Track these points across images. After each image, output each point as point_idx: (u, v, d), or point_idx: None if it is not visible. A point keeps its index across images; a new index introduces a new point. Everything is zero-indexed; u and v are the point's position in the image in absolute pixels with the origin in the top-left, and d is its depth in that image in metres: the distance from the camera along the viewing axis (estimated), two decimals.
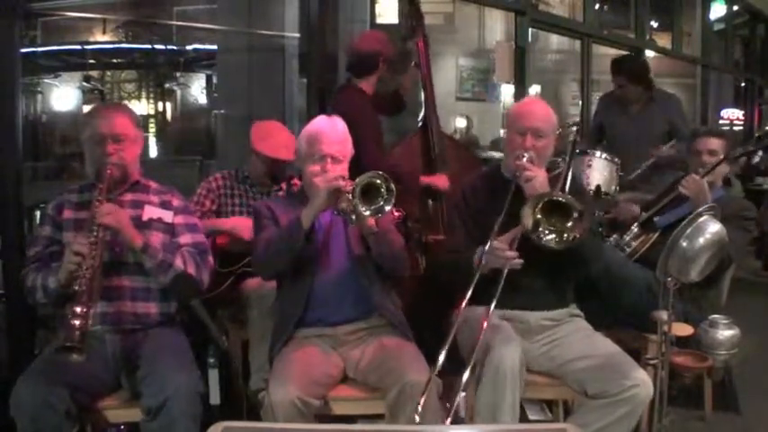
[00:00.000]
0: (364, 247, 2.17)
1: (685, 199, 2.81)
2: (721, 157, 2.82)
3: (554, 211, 2.03)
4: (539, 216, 2.02)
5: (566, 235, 2.02)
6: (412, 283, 2.81)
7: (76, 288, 1.90)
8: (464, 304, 2.04)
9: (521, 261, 2.08)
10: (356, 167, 2.34)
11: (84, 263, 1.92)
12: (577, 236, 2.01)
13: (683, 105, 4.41)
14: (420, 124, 3.44)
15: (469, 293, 2.04)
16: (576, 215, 2.00)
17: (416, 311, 2.51)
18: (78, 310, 1.84)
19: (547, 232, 2.03)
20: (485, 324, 2.01)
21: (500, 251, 2.08)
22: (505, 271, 2.06)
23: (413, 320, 2.31)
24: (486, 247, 2.08)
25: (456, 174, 3.29)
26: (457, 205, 2.38)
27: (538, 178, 2.12)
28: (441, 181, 3.27)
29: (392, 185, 2.00)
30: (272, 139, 2.92)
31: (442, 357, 1.94)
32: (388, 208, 2.01)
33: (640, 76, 3.89)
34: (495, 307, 2.12)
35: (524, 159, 2.18)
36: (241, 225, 2.79)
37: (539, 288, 2.25)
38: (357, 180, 2.01)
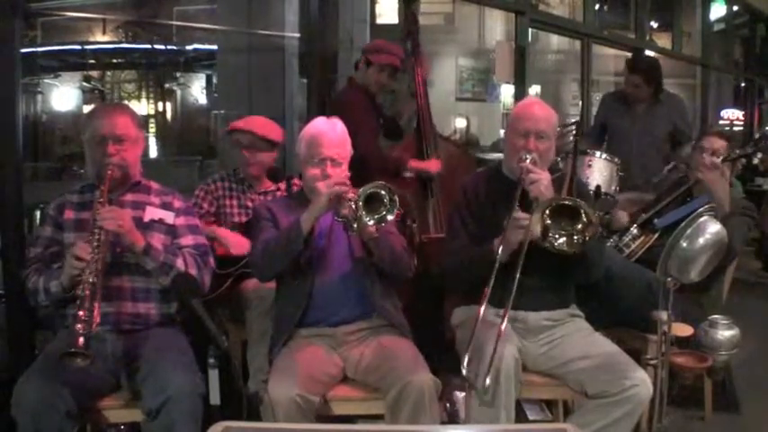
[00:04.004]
0: (365, 250, 2.17)
1: (685, 200, 2.82)
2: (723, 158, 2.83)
3: (562, 215, 2.03)
4: (548, 222, 2.02)
5: (576, 237, 2.01)
6: (409, 284, 2.81)
7: (79, 292, 1.89)
8: (485, 302, 2.03)
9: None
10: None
11: (87, 267, 1.92)
12: (588, 238, 2.01)
13: (686, 107, 4.41)
14: (415, 127, 3.47)
15: (490, 289, 2.04)
16: (585, 217, 2.00)
17: (414, 312, 2.51)
18: (81, 314, 1.83)
19: (558, 236, 2.03)
20: (476, 323, 2.02)
21: (522, 220, 2.07)
22: (518, 273, 2.05)
23: (411, 321, 2.31)
24: (507, 222, 2.08)
25: (453, 175, 3.30)
26: (458, 205, 2.37)
27: (542, 180, 2.12)
28: (431, 165, 3.32)
29: (395, 196, 2.00)
30: (247, 119, 2.98)
31: (466, 359, 1.96)
32: (390, 218, 2.01)
33: (655, 77, 3.89)
34: (495, 306, 2.12)
35: (528, 161, 2.18)
36: (236, 242, 2.76)
37: (539, 288, 2.24)
38: (360, 190, 2.00)
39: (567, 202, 2.03)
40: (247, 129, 2.88)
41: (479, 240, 2.23)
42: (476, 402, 2.03)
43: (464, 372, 1.99)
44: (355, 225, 2.04)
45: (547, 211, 2.02)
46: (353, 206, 2.00)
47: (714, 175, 2.70)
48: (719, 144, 2.89)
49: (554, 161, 2.53)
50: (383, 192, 2.01)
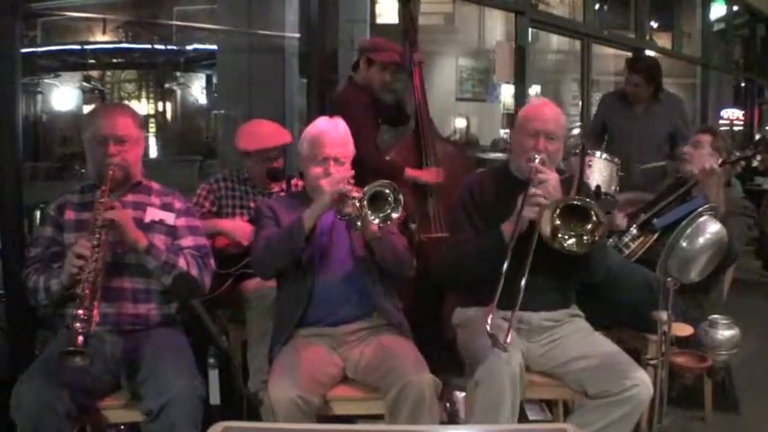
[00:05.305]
0: (367, 250, 2.17)
1: (684, 200, 2.82)
2: (706, 149, 2.84)
3: (571, 216, 2.03)
4: (557, 222, 2.03)
5: (586, 238, 2.02)
6: (409, 284, 2.82)
7: (79, 291, 1.89)
8: (495, 302, 2.02)
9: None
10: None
11: (87, 265, 1.91)
12: (597, 238, 2.01)
13: (686, 107, 4.41)
14: (413, 128, 3.47)
15: (499, 289, 2.02)
16: (594, 218, 2.00)
17: (414, 312, 2.51)
18: (81, 313, 1.83)
19: (567, 237, 2.03)
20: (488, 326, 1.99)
21: (537, 197, 2.06)
22: (525, 277, 2.05)
23: (411, 321, 2.31)
24: (521, 200, 2.08)
25: (451, 174, 3.31)
26: (464, 202, 2.37)
27: (551, 181, 2.12)
28: (428, 175, 3.30)
29: (400, 195, 2.01)
30: (254, 133, 2.95)
31: (489, 319, 1.94)
32: (395, 216, 2.02)
33: (655, 77, 3.90)
34: (499, 308, 2.11)
35: (537, 161, 2.18)
36: (241, 229, 2.78)
37: (541, 288, 2.23)
38: (365, 189, 2.01)
39: (576, 203, 2.03)
40: (259, 147, 2.87)
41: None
42: (479, 401, 2.02)
43: (488, 329, 1.95)
44: (359, 223, 2.04)
45: (556, 212, 2.02)
46: (357, 204, 2.00)
47: (710, 181, 2.70)
48: (703, 138, 2.90)
49: None
50: (388, 190, 2.01)
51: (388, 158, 3.32)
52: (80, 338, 1.80)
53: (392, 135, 4.03)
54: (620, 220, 2.93)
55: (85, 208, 2.15)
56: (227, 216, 2.90)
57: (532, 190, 2.08)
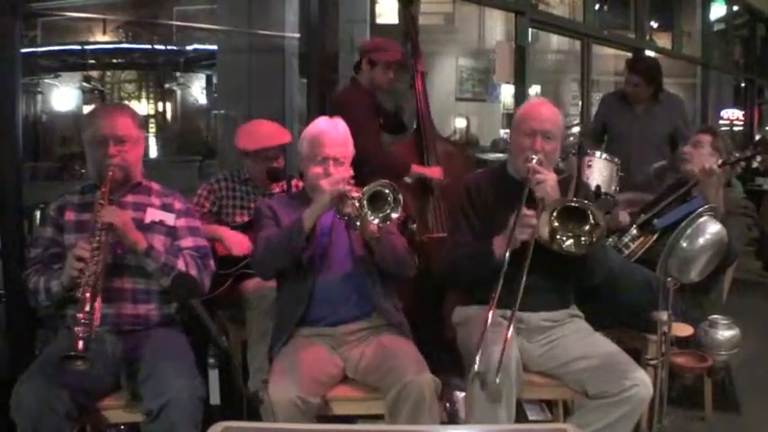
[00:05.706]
0: (367, 250, 2.17)
1: (685, 200, 2.82)
2: (706, 149, 2.84)
3: (569, 217, 2.03)
4: (555, 224, 2.02)
5: (584, 239, 2.02)
6: (409, 284, 2.82)
7: (79, 294, 1.89)
8: (494, 303, 2.02)
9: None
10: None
11: (87, 268, 1.91)
12: (595, 239, 2.01)
13: (686, 107, 4.41)
14: (414, 127, 3.48)
15: (497, 292, 2.02)
16: (592, 219, 2.00)
17: (414, 312, 2.51)
18: (81, 317, 1.83)
19: (565, 238, 2.03)
20: (486, 324, 2.00)
21: (530, 218, 2.06)
22: (524, 275, 2.05)
23: (411, 321, 2.31)
24: (513, 220, 2.07)
25: (451, 174, 3.31)
26: (462, 203, 2.37)
27: (549, 181, 2.12)
28: (433, 172, 3.31)
29: (399, 195, 2.01)
30: (253, 133, 2.95)
31: (479, 356, 1.95)
32: (395, 216, 2.02)
33: (656, 77, 3.90)
34: (498, 306, 2.12)
35: (534, 161, 2.18)
36: (237, 241, 2.76)
37: (541, 288, 2.23)
38: (365, 189, 2.01)
39: (574, 204, 2.03)
40: (259, 147, 2.87)
41: (482, 238, 2.23)
42: (477, 401, 2.02)
43: (476, 367, 1.96)
44: (358, 223, 2.04)
45: (554, 213, 2.02)
46: (357, 204, 2.00)
47: (710, 181, 2.70)
48: (703, 138, 2.90)
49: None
50: (387, 190, 2.01)
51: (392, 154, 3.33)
52: (81, 343, 1.79)
53: (391, 137, 4.04)
54: (624, 216, 2.92)
55: (86, 209, 2.15)
56: (227, 216, 2.90)
57: (524, 212, 2.08)
